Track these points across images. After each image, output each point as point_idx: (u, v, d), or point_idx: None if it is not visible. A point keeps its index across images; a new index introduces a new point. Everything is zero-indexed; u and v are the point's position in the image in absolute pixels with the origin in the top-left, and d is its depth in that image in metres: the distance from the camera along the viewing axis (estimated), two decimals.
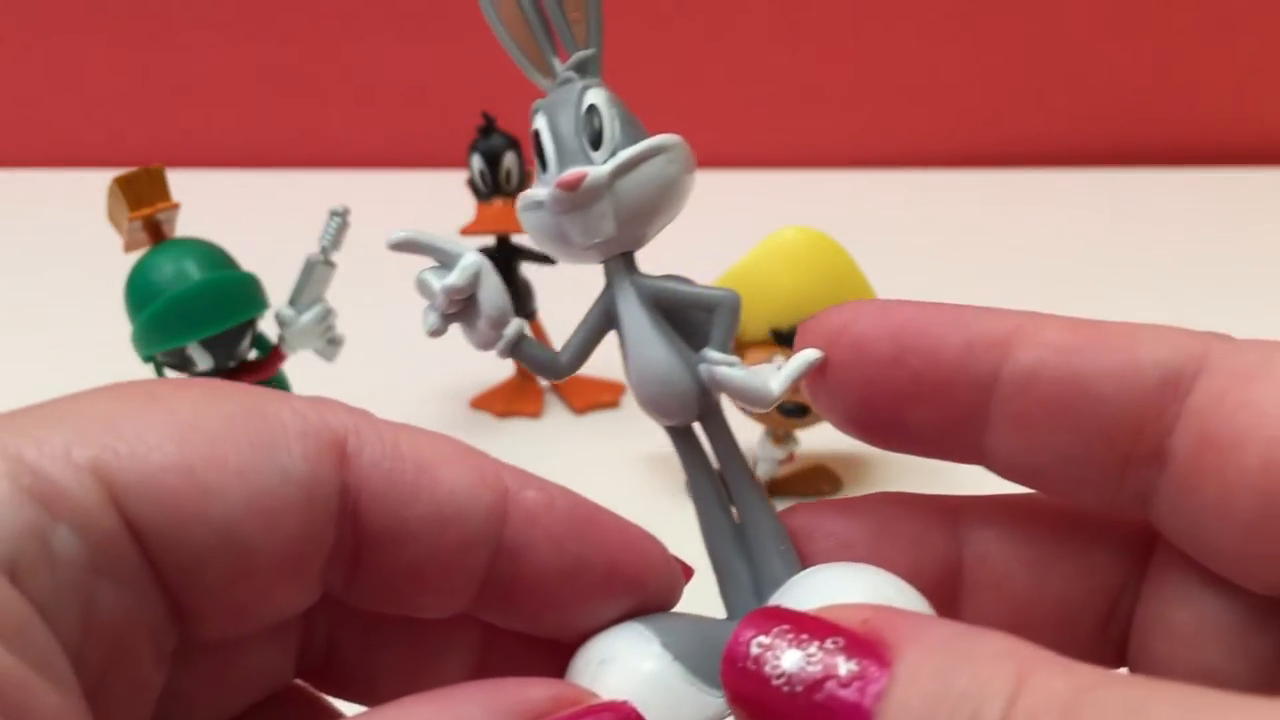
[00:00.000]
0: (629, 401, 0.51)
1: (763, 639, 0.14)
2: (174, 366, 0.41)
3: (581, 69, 0.18)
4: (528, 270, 0.50)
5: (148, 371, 0.41)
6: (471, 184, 0.48)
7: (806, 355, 0.18)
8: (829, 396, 0.18)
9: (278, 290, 0.42)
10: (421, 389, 0.53)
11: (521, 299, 0.50)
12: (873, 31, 0.83)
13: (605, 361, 0.63)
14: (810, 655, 0.13)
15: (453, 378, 0.53)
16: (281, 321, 0.42)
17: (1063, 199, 0.81)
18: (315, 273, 0.42)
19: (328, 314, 0.42)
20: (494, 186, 0.47)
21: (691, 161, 0.18)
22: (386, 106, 0.89)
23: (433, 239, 0.18)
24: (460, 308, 0.18)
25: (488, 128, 0.47)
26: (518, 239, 0.49)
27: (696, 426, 0.19)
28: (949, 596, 0.18)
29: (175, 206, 0.40)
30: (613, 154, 0.17)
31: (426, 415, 0.50)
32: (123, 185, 0.39)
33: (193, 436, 0.14)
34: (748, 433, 0.43)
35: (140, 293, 0.40)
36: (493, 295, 0.18)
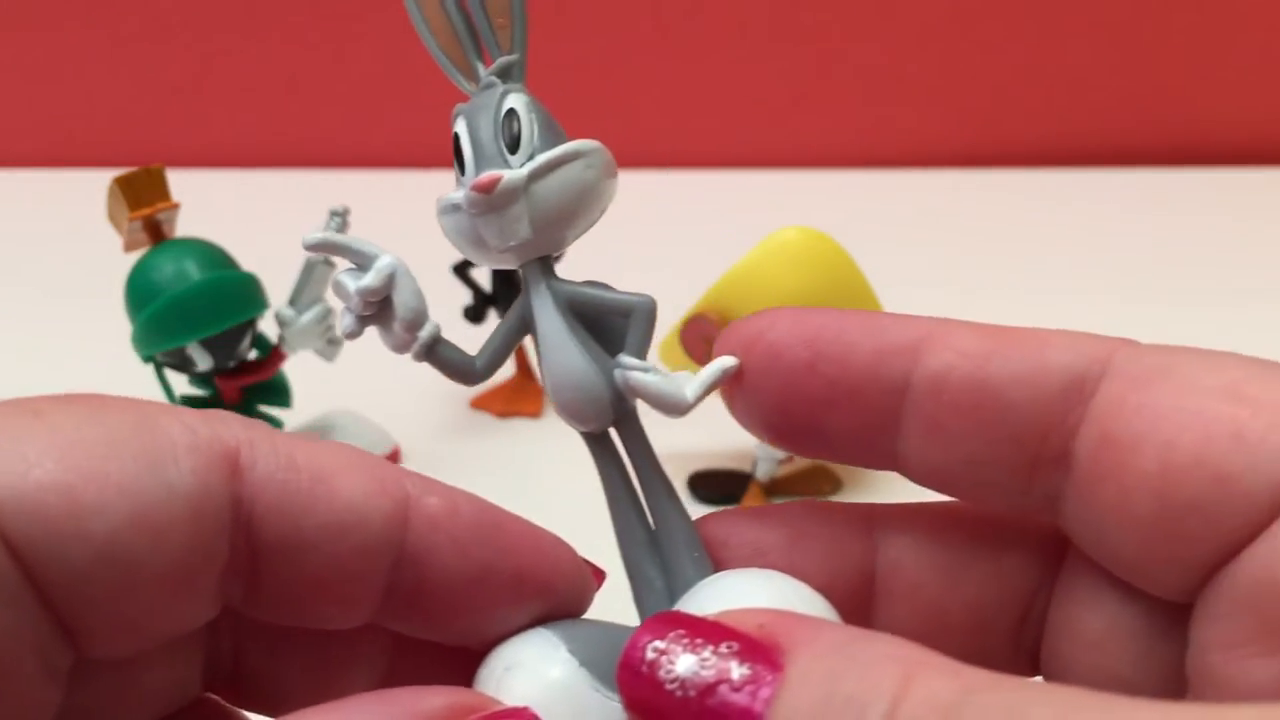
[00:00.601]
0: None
1: (658, 644, 0.14)
2: (174, 366, 0.41)
3: (504, 74, 0.19)
4: None
5: (148, 371, 0.41)
6: None
7: (722, 362, 0.18)
8: (745, 404, 0.18)
9: (278, 290, 0.42)
10: (421, 389, 0.53)
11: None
12: (873, 31, 0.83)
13: None
14: (704, 660, 0.13)
15: None
16: (281, 321, 0.42)
17: (1063, 199, 0.81)
18: (315, 273, 0.42)
19: (328, 314, 0.42)
20: None
21: (611, 166, 0.18)
22: (386, 106, 0.89)
23: (348, 240, 0.18)
24: (376, 310, 0.18)
25: None
26: None
27: (612, 432, 0.19)
28: (864, 604, 0.18)
29: (175, 206, 0.40)
30: (530, 158, 0.17)
31: (426, 415, 0.50)
32: (123, 185, 0.39)
33: (74, 453, 0.14)
34: (747, 432, 0.43)
35: (140, 293, 0.40)
36: (407, 298, 0.18)
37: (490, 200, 0.17)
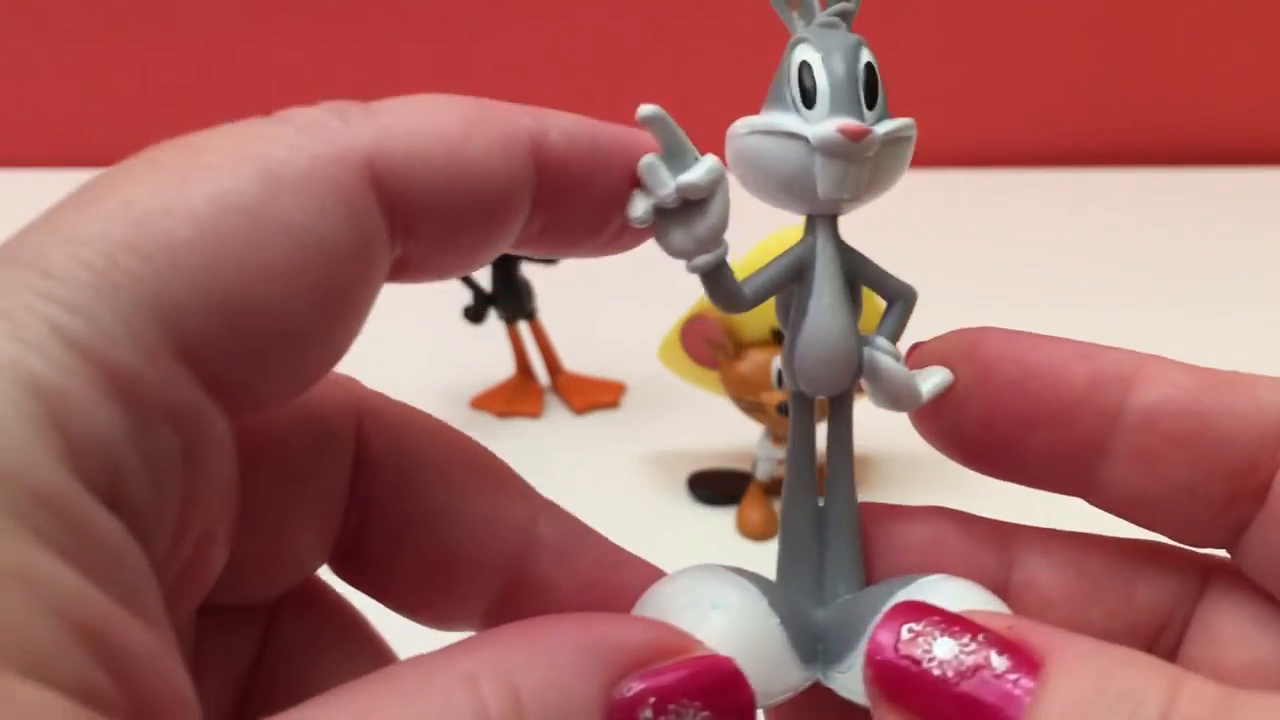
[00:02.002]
0: (628, 401, 0.51)
1: (914, 625, 0.14)
2: None
3: (844, 18, 0.18)
4: (528, 270, 0.50)
5: None
6: None
7: (946, 373, 0.18)
8: (945, 419, 0.18)
9: None
10: (421, 389, 0.53)
11: (521, 299, 0.50)
12: (873, 32, 0.83)
13: (605, 361, 0.63)
14: (965, 645, 0.14)
15: (453, 378, 0.53)
16: None
17: (1063, 199, 0.81)
18: None
19: None
20: None
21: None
22: None
23: (678, 128, 0.17)
24: (679, 205, 0.17)
25: None
26: None
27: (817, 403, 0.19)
28: None
29: None
30: (878, 120, 0.17)
31: None
32: None
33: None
34: (747, 432, 0.43)
35: None
36: (723, 209, 0.17)
37: (853, 149, 0.17)
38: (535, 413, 0.50)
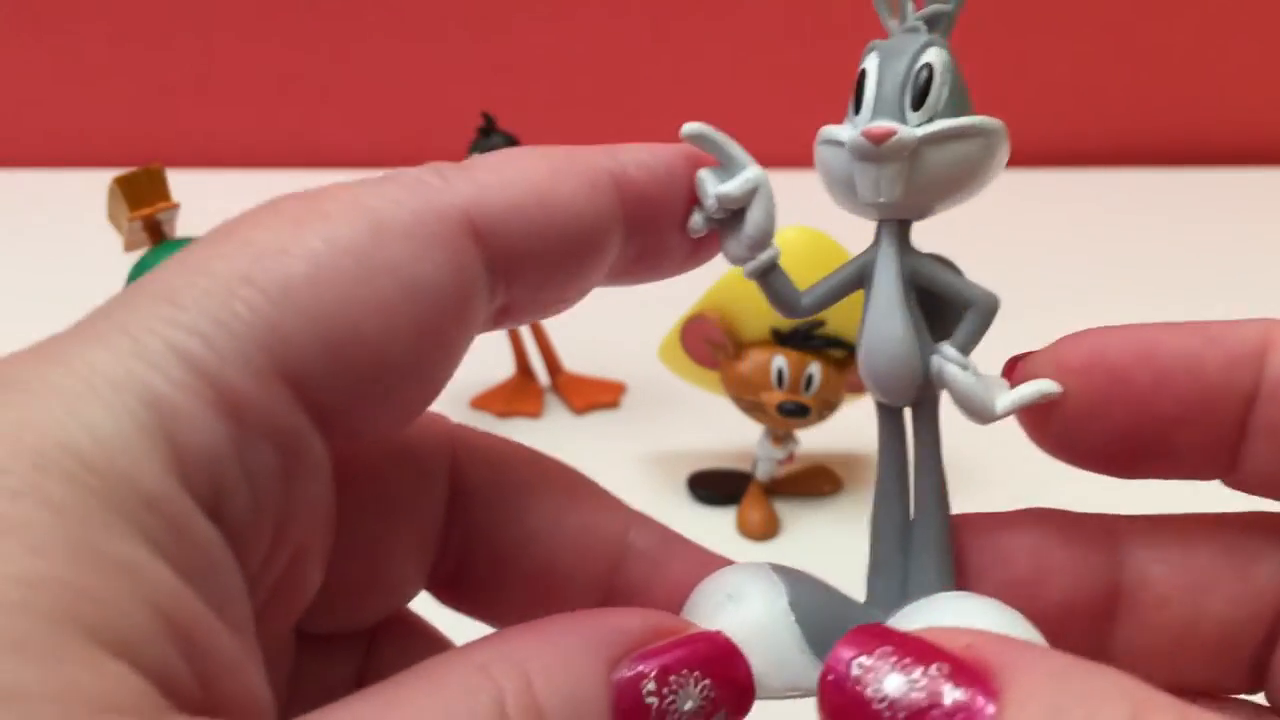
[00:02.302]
0: (629, 401, 0.51)
1: (864, 660, 0.14)
2: None
3: (932, 22, 0.18)
4: None
5: None
6: None
7: (1043, 386, 0.17)
8: (1073, 433, 0.17)
9: None
10: None
11: None
12: (873, 32, 0.83)
13: (604, 360, 0.63)
14: (914, 681, 0.13)
15: (453, 378, 0.53)
16: None
17: (1063, 199, 0.81)
18: None
19: None
20: None
21: (1006, 151, 0.18)
22: (386, 106, 0.89)
23: (723, 139, 0.17)
24: (727, 215, 0.18)
25: (488, 128, 0.47)
26: None
27: (907, 412, 0.18)
28: (1106, 618, 0.18)
29: (175, 206, 0.40)
30: (929, 120, 0.17)
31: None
32: (123, 185, 0.39)
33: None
34: (747, 432, 0.43)
35: None
36: (760, 217, 0.18)
37: (876, 151, 0.17)
38: (535, 413, 0.50)
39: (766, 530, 0.41)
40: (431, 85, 0.88)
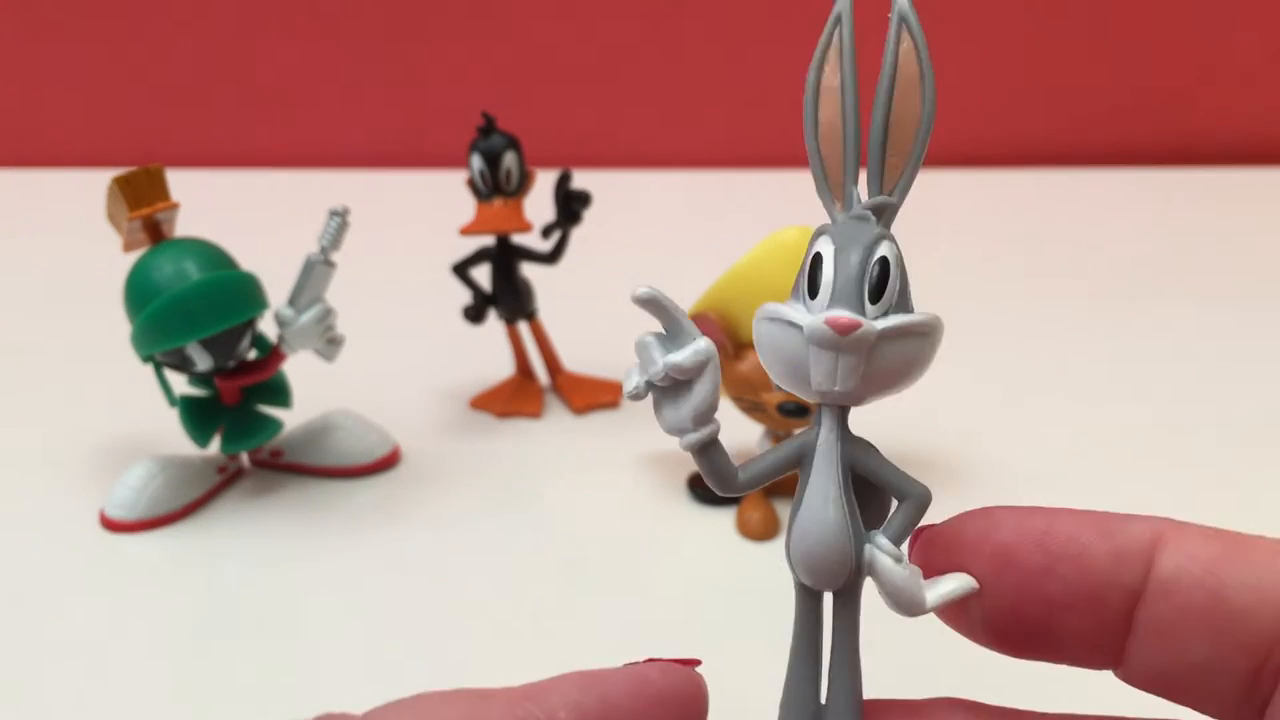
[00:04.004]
0: (628, 401, 0.51)
1: None
2: (173, 367, 0.41)
3: (878, 212, 0.18)
4: (528, 270, 0.50)
5: (147, 372, 0.41)
6: (471, 184, 0.48)
7: (964, 582, 0.17)
8: (968, 610, 0.18)
9: (278, 290, 0.42)
10: (421, 389, 0.53)
11: (521, 299, 0.50)
12: (873, 31, 0.83)
13: (604, 360, 0.62)
14: None
15: (453, 378, 0.53)
16: (281, 321, 0.42)
17: (1063, 199, 0.81)
18: (315, 273, 0.42)
19: (327, 314, 0.42)
20: (494, 186, 0.47)
21: (938, 346, 0.18)
22: (386, 106, 0.89)
23: (674, 308, 0.18)
24: (670, 384, 0.18)
25: (488, 128, 0.47)
26: (517, 239, 0.49)
27: (827, 595, 0.19)
28: None
29: (175, 206, 0.40)
30: (884, 314, 0.17)
31: (426, 415, 0.50)
32: (122, 185, 0.39)
33: None
34: (747, 431, 0.43)
35: (139, 293, 0.40)
36: (708, 391, 0.18)
37: (840, 341, 0.17)
38: (535, 413, 0.50)
39: (766, 530, 0.41)
40: (431, 85, 0.88)
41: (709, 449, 0.18)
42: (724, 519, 0.42)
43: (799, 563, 0.18)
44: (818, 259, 0.18)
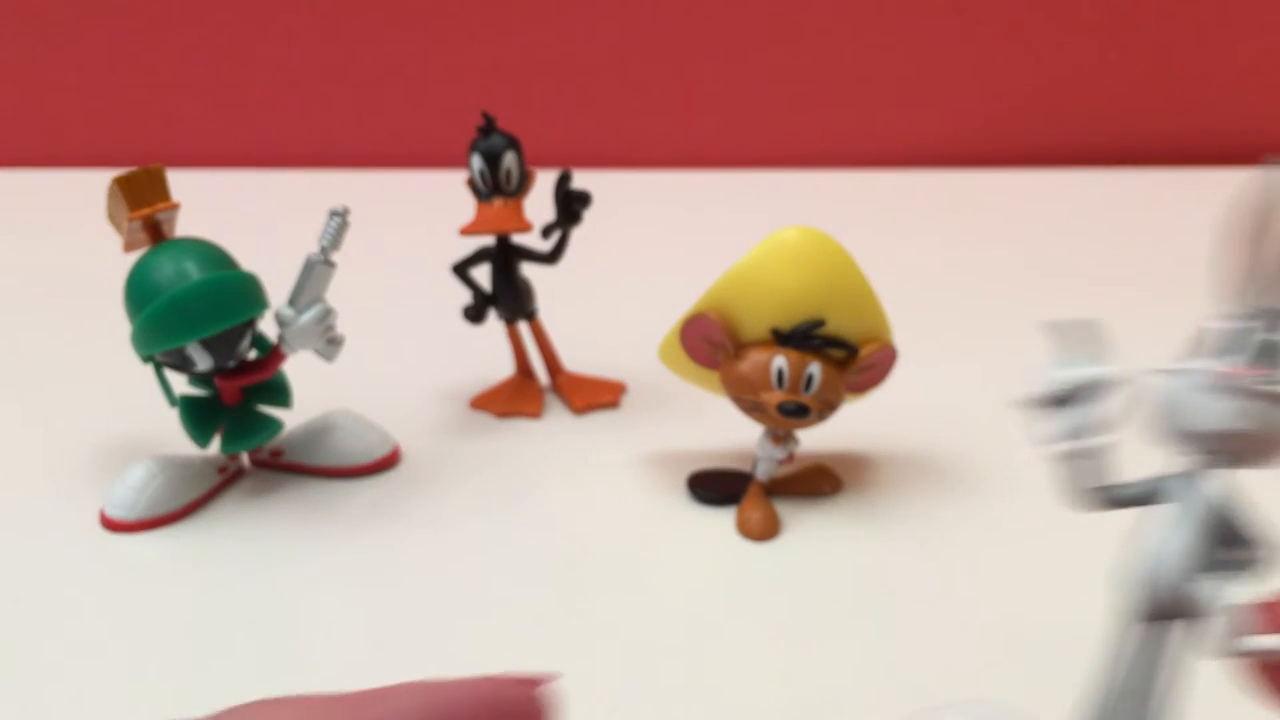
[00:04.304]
0: (628, 401, 0.51)
1: None
2: (173, 366, 0.41)
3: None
4: (528, 270, 0.50)
5: (147, 371, 0.41)
6: (471, 184, 0.48)
7: (1274, 641, 0.18)
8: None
9: (278, 290, 0.42)
10: (421, 389, 0.53)
11: (521, 299, 0.50)
12: (874, 32, 0.83)
13: (604, 360, 0.62)
14: None
15: (453, 378, 0.53)
16: (281, 321, 0.42)
17: (1062, 199, 0.81)
18: (315, 273, 0.42)
19: (327, 314, 0.42)
20: (494, 186, 0.47)
21: None
22: (386, 106, 0.89)
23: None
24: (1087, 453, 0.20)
25: (487, 128, 0.47)
26: (517, 239, 0.49)
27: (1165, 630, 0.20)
28: None
29: (175, 206, 0.40)
30: None
31: (426, 415, 0.50)
32: (123, 185, 0.39)
33: None
34: (747, 432, 0.43)
35: (140, 293, 0.39)
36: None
37: None
38: (535, 413, 0.50)
39: (766, 530, 0.41)
40: (431, 85, 0.88)
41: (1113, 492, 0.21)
42: (724, 519, 0.42)
43: (1134, 586, 0.19)
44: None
